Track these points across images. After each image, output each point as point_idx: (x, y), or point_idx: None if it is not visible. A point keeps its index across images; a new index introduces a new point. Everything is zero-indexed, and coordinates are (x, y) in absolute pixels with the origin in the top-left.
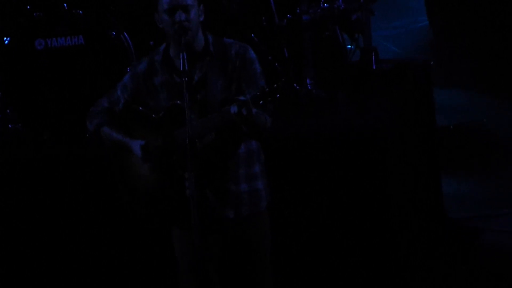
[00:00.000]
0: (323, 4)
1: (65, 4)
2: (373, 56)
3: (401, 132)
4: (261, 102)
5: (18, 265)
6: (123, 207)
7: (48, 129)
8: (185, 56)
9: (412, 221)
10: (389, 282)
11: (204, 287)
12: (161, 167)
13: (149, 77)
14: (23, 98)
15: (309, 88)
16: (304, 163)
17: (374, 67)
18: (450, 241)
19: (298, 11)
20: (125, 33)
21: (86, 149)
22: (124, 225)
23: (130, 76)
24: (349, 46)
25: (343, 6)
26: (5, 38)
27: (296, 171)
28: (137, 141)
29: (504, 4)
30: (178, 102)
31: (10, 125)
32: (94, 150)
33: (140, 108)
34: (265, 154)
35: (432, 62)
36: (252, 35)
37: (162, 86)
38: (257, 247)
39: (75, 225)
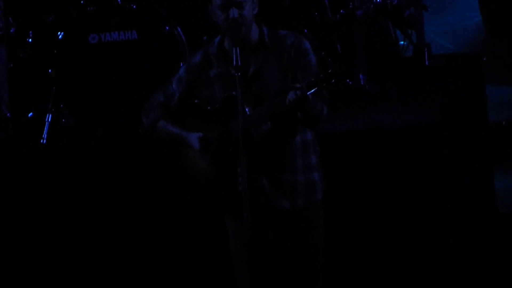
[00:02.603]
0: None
1: None
2: (426, 52)
3: (454, 128)
4: (316, 88)
5: (52, 260)
6: (178, 198)
7: (101, 124)
8: (238, 52)
9: (464, 216)
10: (442, 277)
11: (255, 274)
12: (217, 158)
13: (204, 70)
14: (77, 93)
15: (362, 83)
16: (357, 157)
17: (427, 63)
18: (502, 236)
19: (351, 6)
20: (178, 28)
21: (139, 143)
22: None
23: (185, 69)
24: (402, 42)
25: (396, 2)
26: (59, 33)
27: (350, 165)
28: (194, 134)
29: None
30: (234, 93)
31: (63, 120)
32: (147, 144)
33: (196, 100)
34: (320, 147)
35: (484, 58)
36: (305, 30)
37: (218, 78)
38: (311, 238)
39: (123, 218)
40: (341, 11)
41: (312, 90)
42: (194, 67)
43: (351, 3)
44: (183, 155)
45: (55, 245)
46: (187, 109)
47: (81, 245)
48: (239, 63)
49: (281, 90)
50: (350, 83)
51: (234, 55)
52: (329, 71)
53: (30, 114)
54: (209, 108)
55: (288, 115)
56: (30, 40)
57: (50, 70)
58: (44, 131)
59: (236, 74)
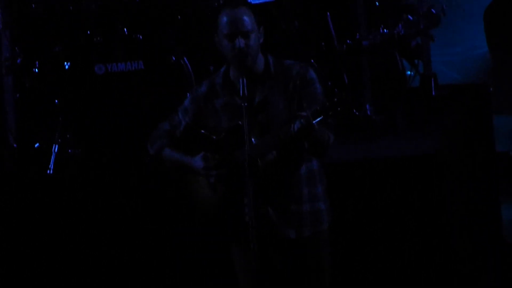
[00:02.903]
0: (383, 30)
1: (125, 29)
2: (433, 82)
3: (460, 157)
4: (321, 117)
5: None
6: (184, 225)
7: (108, 154)
8: (245, 82)
9: (471, 246)
10: None
11: None
12: (223, 187)
13: (210, 99)
14: (83, 123)
15: (369, 113)
16: (364, 186)
17: (433, 93)
18: (508, 267)
19: (357, 36)
20: (185, 58)
21: (144, 172)
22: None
23: (190, 99)
24: (409, 72)
25: (402, 32)
26: (65, 63)
27: (358, 192)
28: (197, 156)
29: None
30: (240, 122)
31: (69, 150)
32: (152, 173)
33: (202, 131)
34: (326, 177)
35: (491, 89)
36: (312, 60)
37: (224, 108)
38: (317, 267)
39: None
40: (348, 41)
41: (318, 119)
42: (200, 97)
43: (357, 34)
44: (188, 181)
45: (58, 262)
46: (192, 139)
47: (84, 256)
48: (246, 93)
49: (287, 118)
50: (357, 113)
51: (240, 85)
52: (335, 99)
53: (37, 144)
54: (214, 137)
55: (294, 144)
56: (36, 70)
57: (56, 100)
58: (51, 161)
59: (242, 104)
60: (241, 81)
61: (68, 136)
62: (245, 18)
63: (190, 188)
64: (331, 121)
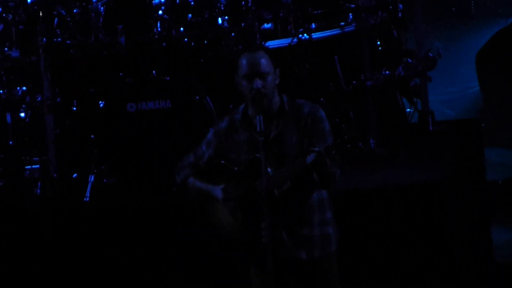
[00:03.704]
0: (385, 71)
1: (153, 71)
2: (430, 119)
3: (456, 186)
4: (333, 153)
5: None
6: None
7: (139, 183)
8: (261, 119)
9: (464, 264)
10: None
11: None
12: (242, 213)
13: (230, 134)
14: (116, 156)
15: (372, 146)
16: (368, 213)
17: (431, 129)
18: (498, 282)
19: (362, 77)
20: (207, 97)
21: (172, 200)
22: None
23: (213, 133)
24: (408, 110)
25: (402, 73)
26: (100, 102)
27: (361, 221)
28: (218, 186)
29: None
30: (257, 155)
31: (104, 180)
32: (181, 201)
33: (222, 162)
34: (334, 203)
35: (483, 124)
36: (322, 99)
37: (243, 142)
38: (327, 285)
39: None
40: (354, 82)
41: (329, 154)
42: (221, 132)
43: (362, 75)
44: (210, 207)
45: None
46: (214, 169)
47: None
48: (262, 129)
49: (299, 153)
50: (362, 146)
51: (257, 122)
52: (345, 137)
53: (75, 175)
54: (235, 169)
55: (307, 176)
56: (74, 108)
57: (92, 136)
58: (87, 190)
59: (259, 139)
60: (258, 118)
61: (103, 167)
62: (263, 61)
63: (213, 215)
64: (338, 157)
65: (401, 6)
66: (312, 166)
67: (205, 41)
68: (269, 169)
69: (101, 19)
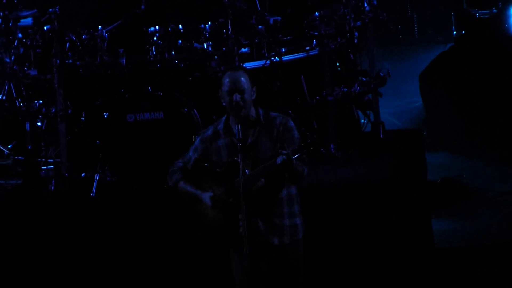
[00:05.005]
0: (343, 88)
1: (149, 88)
2: (381, 128)
3: (401, 184)
4: (298, 154)
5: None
6: (195, 238)
7: (136, 181)
8: (240, 128)
9: (407, 252)
10: None
11: None
12: (224, 209)
13: (214, 140)
14: (118, 158)
15: (332, 151)
16: (328, 206)
17: (382, 136)
18: (436, 264)
19: (324, 93)
20: (194, 110)
21: (165, 195)
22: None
23: (199, 140)
24: (363, 120)
25: (358, 90)
26: (104, 113)
27: (323, 212)
28: (207, 193)
29: (482, 87)
30: (236, 158)
31: (108, 178)
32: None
33: (206, 164)
34: (301, 198)
35: (424, 132)
36: (290, 111)
37: (224, 147)
38: (294, 267)
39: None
40: (317, 97)
41: (296, 155)
42: (206, 139)
43: (324, 92)
44: (198, 207)
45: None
46: (200, 171)
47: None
48: (241, 136)
49: (272, 155)
50: (324, 151)
51: (236, 130)
52: (308, 141)
53: (83, 174)
54: (217, 170)
55: (278, 174)
56: (83, 118)
57: (98, 141)
58: (93, 187)
59: (238, 144)
60: (237, 127)
61: (106, 168)
62: (242, 79)
63: (199, 210)
64: (305, 157)
65: (356, 33)
66: (281, 166)
67: (193, 63)
68: (246, 170)
69: (105, 43)
